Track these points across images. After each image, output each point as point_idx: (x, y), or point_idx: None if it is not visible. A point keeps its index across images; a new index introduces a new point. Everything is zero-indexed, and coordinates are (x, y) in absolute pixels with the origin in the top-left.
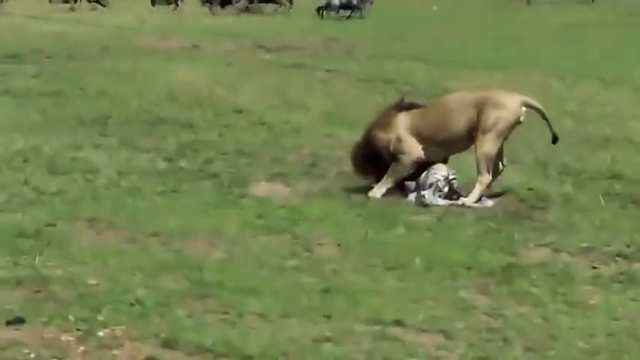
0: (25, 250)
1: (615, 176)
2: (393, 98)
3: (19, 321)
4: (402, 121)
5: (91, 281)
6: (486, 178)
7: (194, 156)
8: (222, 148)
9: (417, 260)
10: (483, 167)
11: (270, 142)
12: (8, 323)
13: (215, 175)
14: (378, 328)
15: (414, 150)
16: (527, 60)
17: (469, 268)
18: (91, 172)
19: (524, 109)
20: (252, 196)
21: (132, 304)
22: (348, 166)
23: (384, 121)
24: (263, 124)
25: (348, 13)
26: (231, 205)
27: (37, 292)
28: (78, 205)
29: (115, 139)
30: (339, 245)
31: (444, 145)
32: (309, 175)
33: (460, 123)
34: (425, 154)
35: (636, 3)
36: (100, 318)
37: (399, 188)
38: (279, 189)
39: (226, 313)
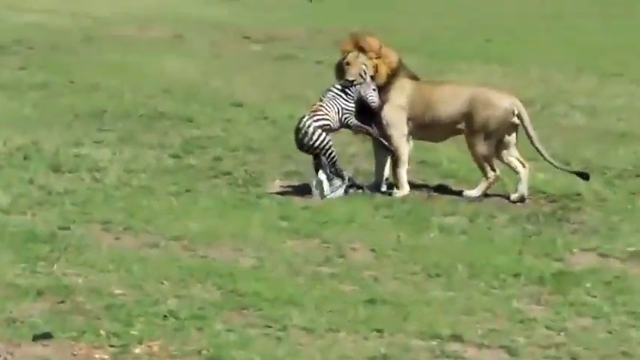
0: (41, 256)
1: None
2: None
3: (46, 336)
4: (408, 87)
5: (117, 291)
6: (492, 174)
7: (202, 153)
8: (229, 145)
9: (460, 267)
10: (484, 166)
11: (277, 138)
12: (35, 338)
13: (228, 174)
14: (434, 343)
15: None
16: (522, 52)
17: (516, 275)
18: (97, 170)
19: (515, 110)
20: (270, 196)
21: (165, 317)
22: (364, 165)
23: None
24: (265, 118)
25: None
26: (251, 206)
27: (61, 302)
28: (89, 206)
29: (115, 134)
30: (372, 250)
31: (426, 128)
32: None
33: (448, 113)
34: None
35: None
36: (134, 332)
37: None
38: (296, 188)
39: (269, 326)
